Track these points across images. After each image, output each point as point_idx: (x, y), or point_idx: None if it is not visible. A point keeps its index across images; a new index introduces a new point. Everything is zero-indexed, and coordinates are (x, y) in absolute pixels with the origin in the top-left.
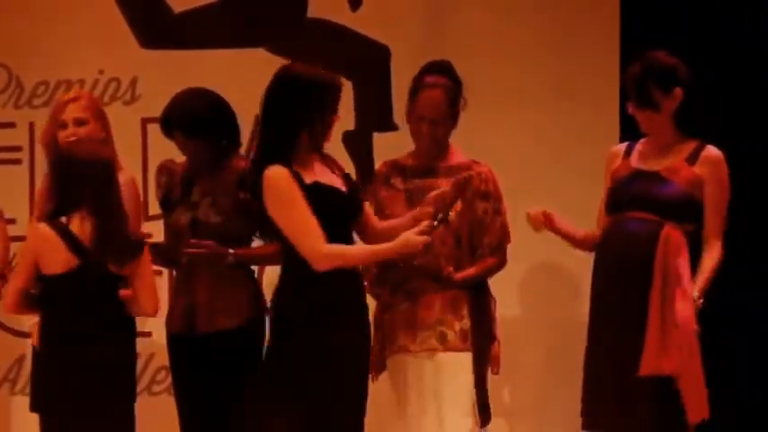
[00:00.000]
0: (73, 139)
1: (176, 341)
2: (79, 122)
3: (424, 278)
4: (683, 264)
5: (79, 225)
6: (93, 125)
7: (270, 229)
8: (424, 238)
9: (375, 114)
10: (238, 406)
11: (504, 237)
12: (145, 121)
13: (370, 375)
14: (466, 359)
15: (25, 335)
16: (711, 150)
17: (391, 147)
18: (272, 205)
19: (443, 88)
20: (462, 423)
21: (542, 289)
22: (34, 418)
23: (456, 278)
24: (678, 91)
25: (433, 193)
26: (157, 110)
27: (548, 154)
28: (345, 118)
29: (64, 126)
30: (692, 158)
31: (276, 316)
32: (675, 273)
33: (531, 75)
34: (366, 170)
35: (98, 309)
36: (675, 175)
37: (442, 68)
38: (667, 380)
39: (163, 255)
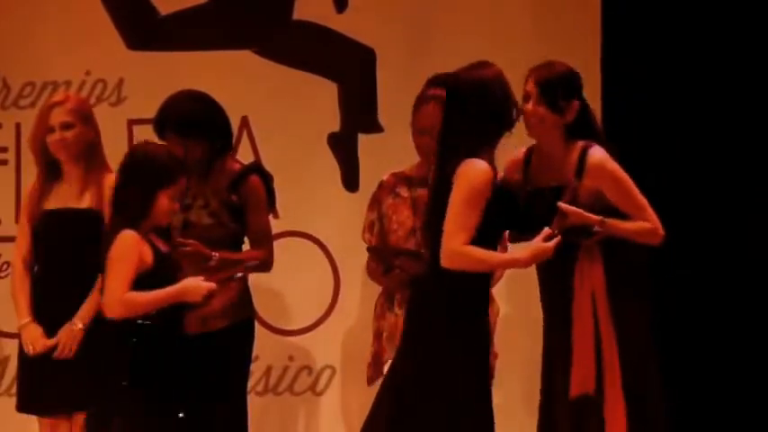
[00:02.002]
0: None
1: (195, 340)
2: (66, 126)
3: None
4: (598, 274)
5: None
6: (81, 128)
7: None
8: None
9: (360, 116)
10: (225, 407)
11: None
12: (131, 123)
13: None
14: None
15: (10, 335)
16: (592, 158)
17: (376, 148)
18: None
19: (443, 100)
20: None
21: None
22: (19, 419)
23: None
24: (576, 103)
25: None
26: (144, 111)
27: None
28: (330, 120)
29: (51, 130)
30: (579, 173)
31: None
32: (590, 284)
33: (517, 74)
34: (351, 171)
35: None
36: (570, 192)
37: (443, 81)
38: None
39: None
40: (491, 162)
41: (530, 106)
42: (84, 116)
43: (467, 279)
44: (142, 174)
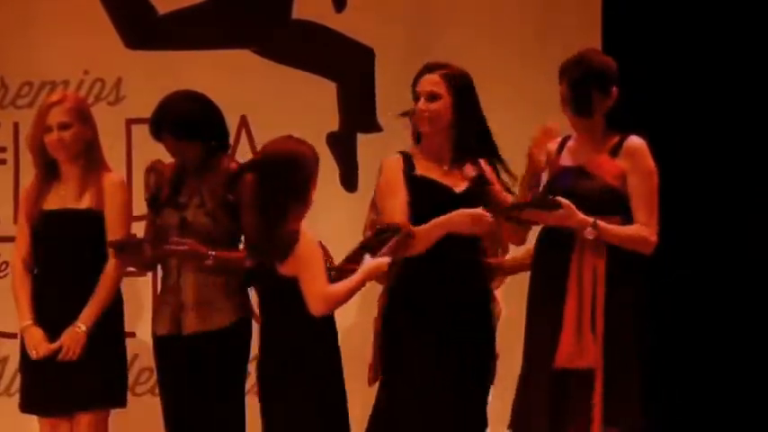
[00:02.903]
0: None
1: (162, 342)
2: (63, 126)
3: None
4: (600, 260)
5: None
6: (79, 127)
7: None
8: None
9: (359, 116)
10: (222, 406)
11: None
12: (129, 122)
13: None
14: None
15: (9, 335)
16: (633, 141)
17: (375, 148)
18: None
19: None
20: None
21: None
22: (18, 419)
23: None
24: (615, 91)
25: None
26: (142, 111)
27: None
28: (329, 119)
29: (49, 130)
30: (615, 151)
31: None
32: (591, 266)
33: (515, 73)
34: (350, 171)
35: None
36: (599, 169)
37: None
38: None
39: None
40: None
41: (567, 111)
42: (83, 116)
43: None
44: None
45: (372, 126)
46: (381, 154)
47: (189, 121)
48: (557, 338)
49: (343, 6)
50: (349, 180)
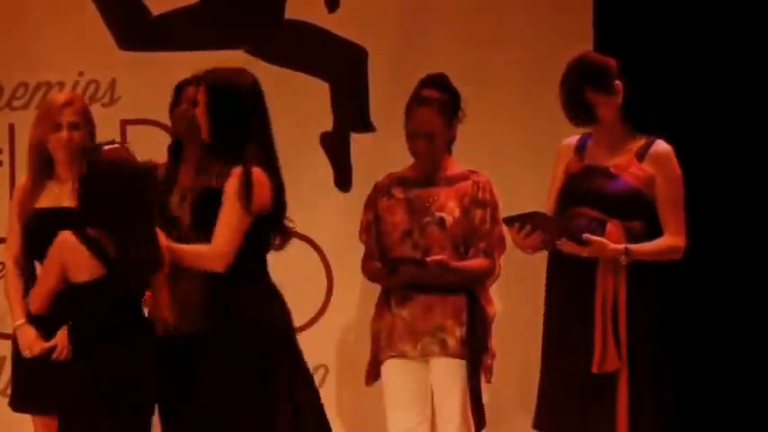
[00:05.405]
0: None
1: (160, 342)
2: (74, 126)
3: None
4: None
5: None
6: (84, 130)
7: None
8: None
9: (352, 115)
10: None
11: (498, 244)
12: (124, 123)
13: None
14: (463, 365)
15: (4, 336)
16: (660, 146)
17: (369, 147)
18: None
19: (436, 103)
20: (457, 429)
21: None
22: (14, 419)
23: (443, 262)
24: (618, 85)
25: None
26: (137, 112)
27: (522, 146)
28: (323, 119)
29: (59, 128)
30: (641, 155)
31: None
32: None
33: (508, 73)
34: (344, 171)
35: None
36: (624, 172)
37: (435, 82)
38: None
39: None
40: None
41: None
42: (88, 119)
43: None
44: None
45: (366, 126)
46: (375, 154)
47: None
48: (588, 342)
49: (335, 6)
50: (342, 180)
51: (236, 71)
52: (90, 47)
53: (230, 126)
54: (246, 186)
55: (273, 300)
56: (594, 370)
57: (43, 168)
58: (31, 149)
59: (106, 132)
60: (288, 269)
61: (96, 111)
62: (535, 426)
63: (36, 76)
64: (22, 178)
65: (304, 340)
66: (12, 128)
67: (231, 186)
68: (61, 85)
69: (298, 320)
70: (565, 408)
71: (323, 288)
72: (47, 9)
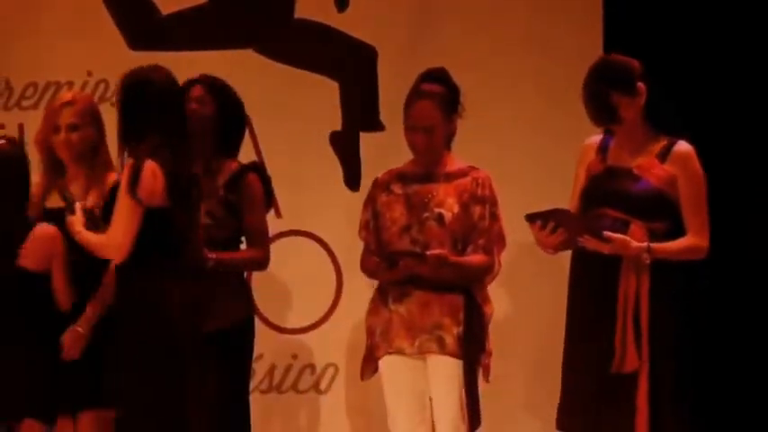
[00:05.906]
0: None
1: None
2: (72, 128)
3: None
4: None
5: None
6: (87, 129)
7: None
8: None
9: (362, 114)
10: (227, 406)
11: (497, 241)
12: None
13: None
14: (460, 365)
15: None
16: (682, 146)
17: (378, 147)
18: None
19: (436, 97)
20: (453, 427)
21: (534, 289)
22: None
23: (442, 255)
24: (641, 87)
25: None
26: None
27: (532, 148)
28: (332, 118)
29: (57, 130)
30: (663, 156)
31: None
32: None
33: (516, 72)
34: (353, 170)
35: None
36: (647, 173)
37: (435, 76)
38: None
39: None
40: None
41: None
42: (92, 117)
43: None
44: None
45: (375, 125)
46: (384, 153)
47: None
48: (610, 342)
49: (345, 5)
50: (352, 179)
51: (149, 68)
52: (99, 47)
53: (130, 119)
54: (134, 177)
55: (167, 284)
56: (613, 370)
57: (54, 169)
58: (39, 150)
59: (115, 132)
60: (297, 269)
61: (106, 110)
62: (558, 426)
63: (45, 76)
64: (34, 178)
65: (313, 340)
66: (21, 127)
67: (123, 177)
68: (70, 84)
69: (307, 320)
70: (585, 408)
71: (332, 287)
72: (56, 9)
